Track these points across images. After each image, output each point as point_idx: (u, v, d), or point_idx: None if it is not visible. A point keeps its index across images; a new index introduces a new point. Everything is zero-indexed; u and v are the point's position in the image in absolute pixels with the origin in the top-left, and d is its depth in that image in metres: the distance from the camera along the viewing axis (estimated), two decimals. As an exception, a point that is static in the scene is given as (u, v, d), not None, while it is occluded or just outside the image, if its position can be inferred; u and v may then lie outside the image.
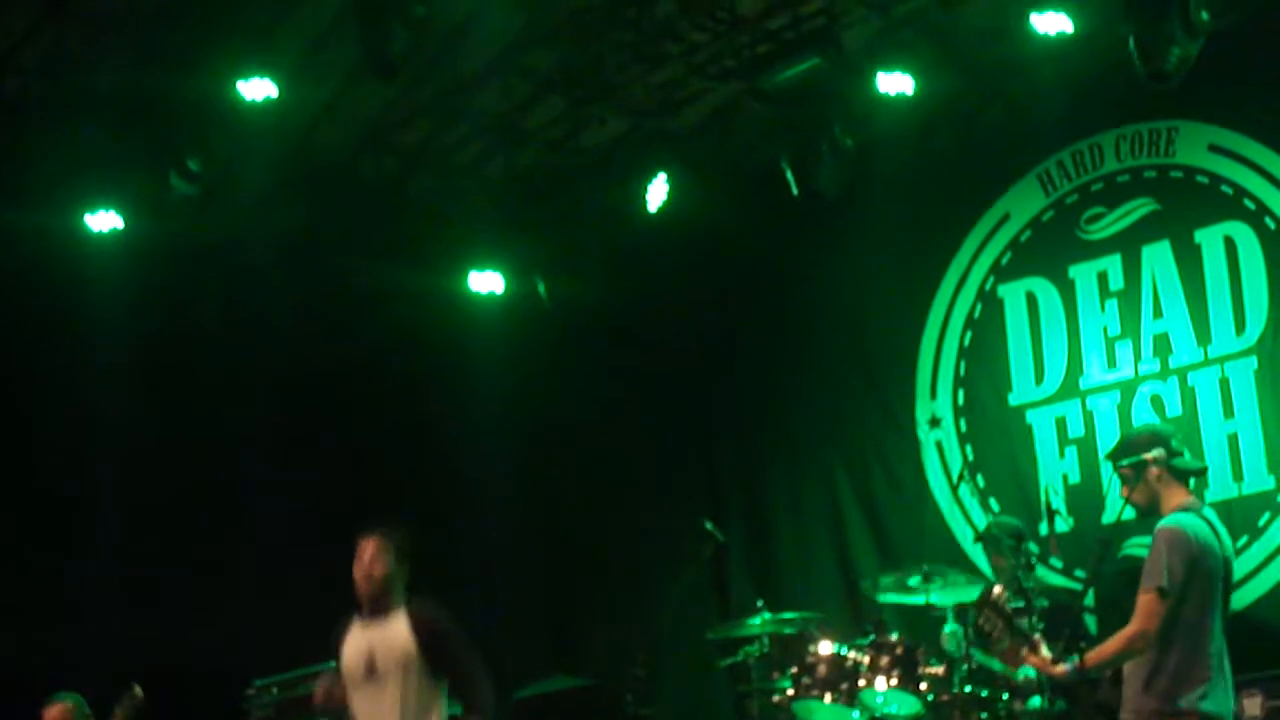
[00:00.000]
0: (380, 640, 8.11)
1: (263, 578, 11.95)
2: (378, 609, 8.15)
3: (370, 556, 8.18)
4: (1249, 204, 10.74)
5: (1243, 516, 10.54)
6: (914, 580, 10.05)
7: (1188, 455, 7.63)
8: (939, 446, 11.72)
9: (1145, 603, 7.42)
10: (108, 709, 9.42)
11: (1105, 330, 11.21)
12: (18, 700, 9.86)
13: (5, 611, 11.26)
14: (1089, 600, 9.75)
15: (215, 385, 12.05)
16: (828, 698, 10.10)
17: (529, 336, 12.90)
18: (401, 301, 12.70)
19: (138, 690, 9.25)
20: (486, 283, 12.75)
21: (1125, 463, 7.63)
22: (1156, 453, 7.57)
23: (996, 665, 9.62)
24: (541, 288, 12.69)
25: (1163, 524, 7.50)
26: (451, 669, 8.11)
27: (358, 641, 8.17)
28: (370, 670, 8.07)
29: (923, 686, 9.86)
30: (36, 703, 9.80)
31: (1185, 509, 7.52)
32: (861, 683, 10.04)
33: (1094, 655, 7.41)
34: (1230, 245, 10.80)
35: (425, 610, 8.15)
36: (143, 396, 11.78)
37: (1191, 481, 7.67)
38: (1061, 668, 7.37)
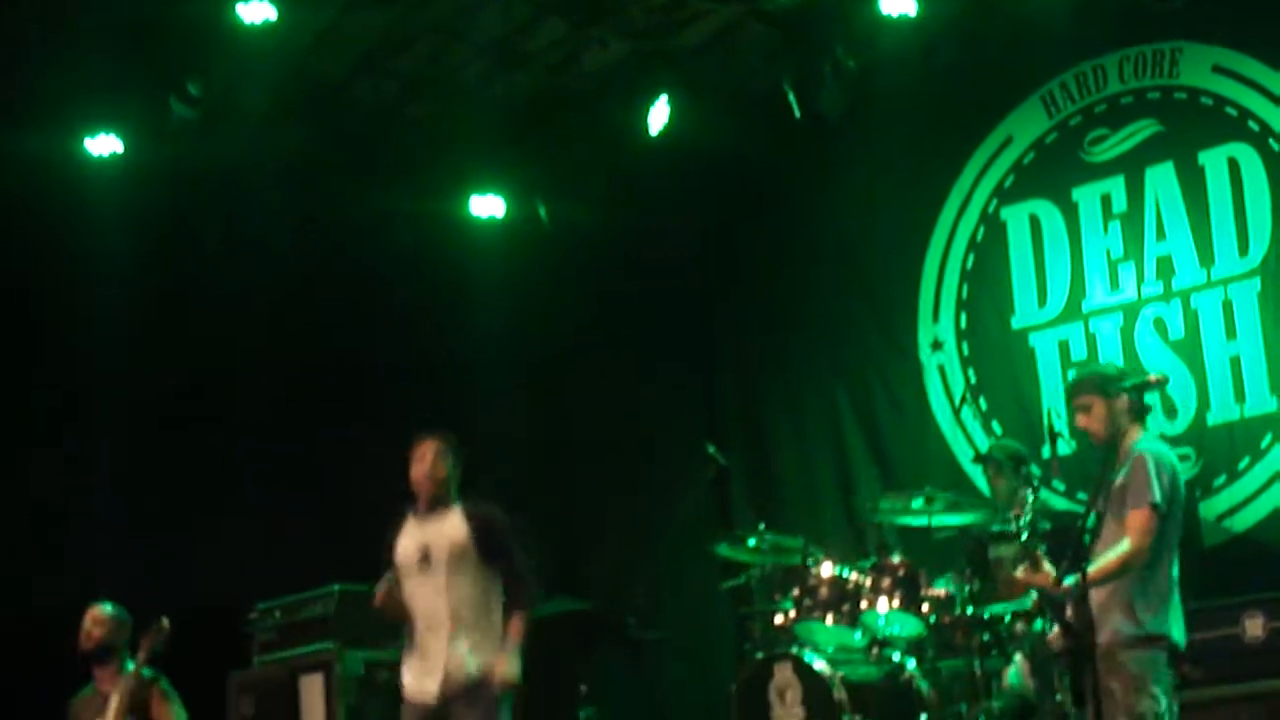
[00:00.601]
0: (435, 533, 8.49)
1: (262, 498, 11.97)
2: (434, 506, 8.55)
3: (433, 458, 8.60)
4: (1253, 125, 10.70)
5: (1245, 438, 10.56)
6: (916, 503, 10.06)
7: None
8: (941, 370, 11.72)
9: (1141, 518, 7.57)
10: (133, 641, 9.45)
11: (1108, 252, 11.19)
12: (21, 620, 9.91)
13: (7, 528, 11.30)
14: (1090, 523, 9.72)
15: (215, 308, 12.03)
16: (829, 619, 10.13)
17: (530, 260, 12.88)
18: (402, 225, 12.67)
19: (165, 622, 9.28)
20: (487, 206, 12.73)
21: (1107, 393, 7.81)
22: (1124, 384, 7.79)
23: (997, 607, 9.67)
24: (542, 211, 12.66)
25: (1142, 448, 7.71)
26: (500, 561, 8.50)
27: (412, 535, 8.54)
28: (424, 560, 8.43)
29: (924, 608, 9.89)
30: (39, 624, 9.85)
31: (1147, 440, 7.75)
32: (863, 604, 10.07)
33: (1096, 571, 7.46)
34: (1234, 167, 10.76)
35: (480, 505, 8.60)
36: (142, 319, 11.77)
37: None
38: (1065, 585, 7.41)
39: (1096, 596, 7.47)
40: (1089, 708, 7.42)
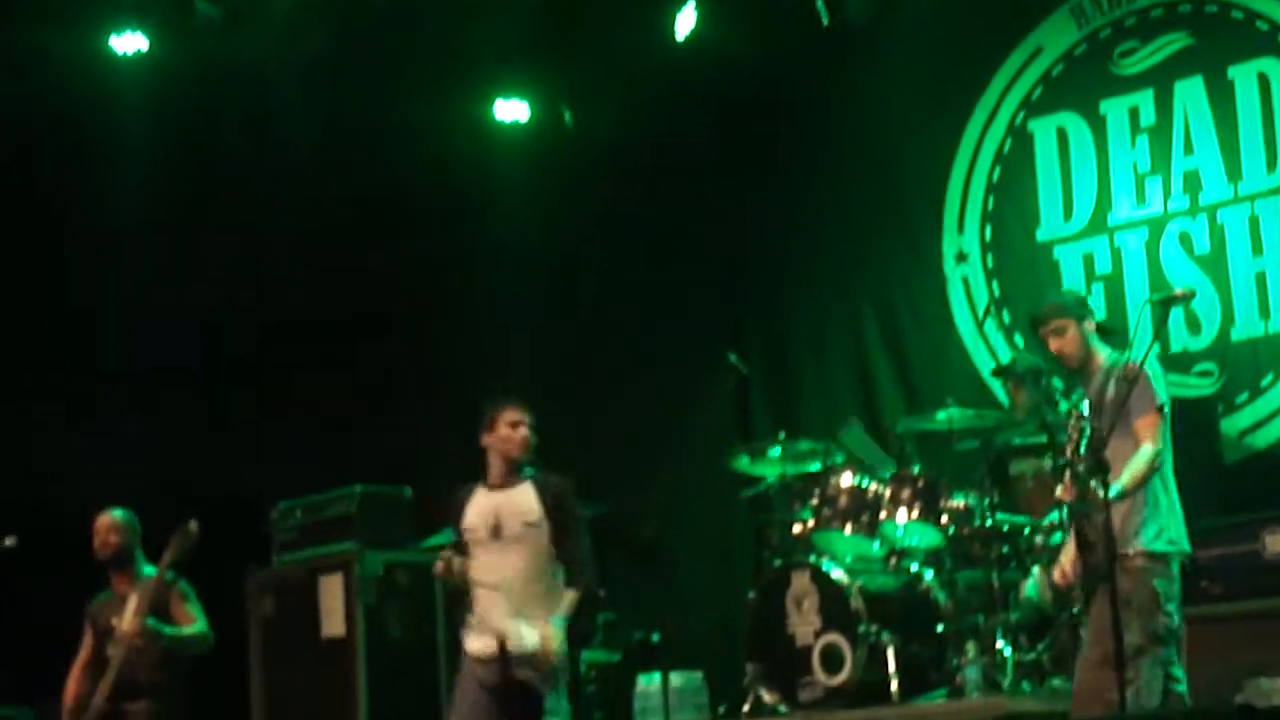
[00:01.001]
0: (507, 503, 8.48)
1: (284, 399, 12.00)
2: (509, 476, 8.53)
3: (527, 428, 8.53)
4: (1284, 40, 10.65)
5: (1269, 354, 10.54)
6: (939, 415, 10.07)
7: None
8: (965, 282, 11.68)
9: (1151, 423, 7.72)
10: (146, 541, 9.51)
11: (1135, 166, 11.12)
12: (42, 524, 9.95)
13: (31, 427, 11.34)
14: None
15: (238, 210, 12.02)
16: (848, 529, 10.17)
17: (553, 166, 12.84)
18: (426, 129, 12.62)
19: (193, 526, 9.32)
20: (511, 111, 12.69)
21: (1077, 315, 7.96)
22: (1089, 310, 8.04)
23: (1017, 519, 9.70)
24: (567, 116, 12.62)
25: (1133, 361, 7.79)
26: (565, 539, 8.49)
27: (483, 504, 8.52)
28: (496, 532, 8.43)
29: (943, 520, 9.94)
30: (57, 526, 9.90)
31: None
32: (882, 515, 10.11)
33: (1130, 479, 7.59)
34: (1264, 82, 10.67)
35: (553, 481, 8.58)
36: (166, 218, 11.77)
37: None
38: (1101, 493, 7.41)
39: (1118, 509, 7.52)
40: (1097, 619, 7.49)
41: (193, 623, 9.45)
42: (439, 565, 8.48)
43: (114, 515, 9.62)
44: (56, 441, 11.40)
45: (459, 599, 8.60)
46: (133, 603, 9.38)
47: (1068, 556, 7.87)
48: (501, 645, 8.26)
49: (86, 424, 11.48)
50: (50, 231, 11.56)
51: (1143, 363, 7.74)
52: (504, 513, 8.46)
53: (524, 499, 8.50)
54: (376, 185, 12.46)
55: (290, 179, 12.13)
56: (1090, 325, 8.01)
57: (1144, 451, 7.66)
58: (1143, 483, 7.66)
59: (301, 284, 12.17)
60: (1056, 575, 8.00)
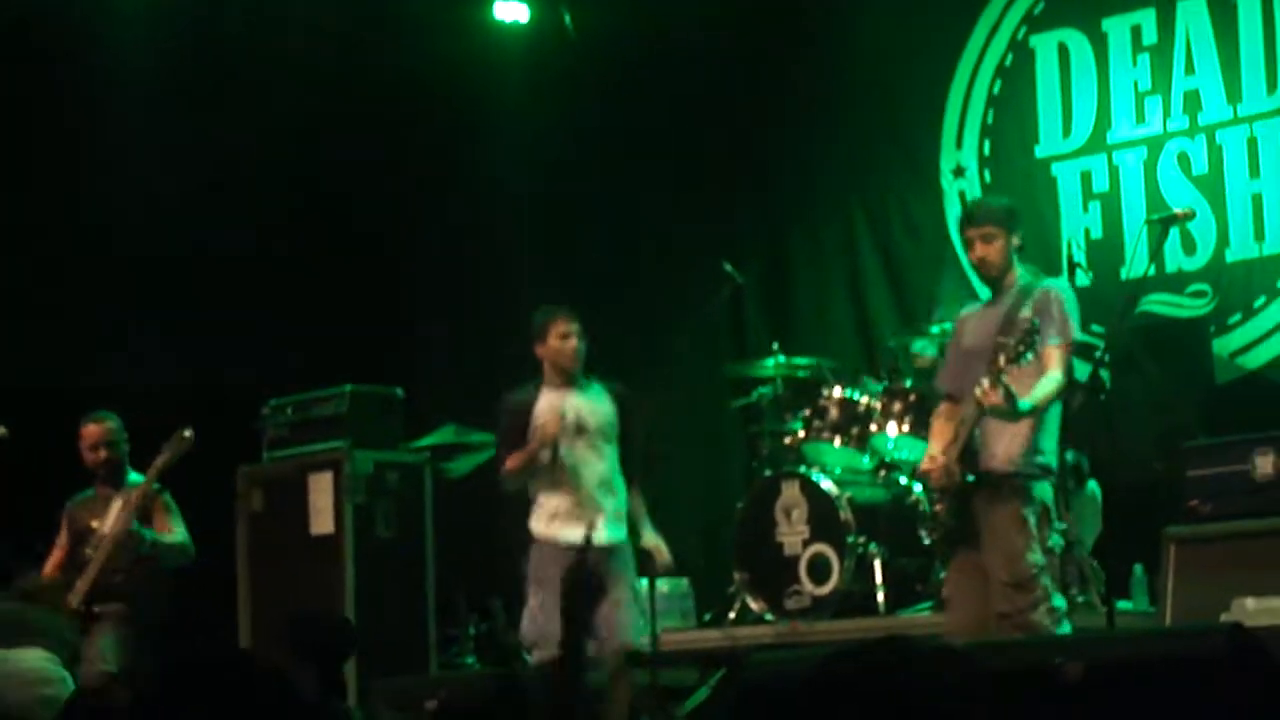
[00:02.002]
0: (586, 404, 8.82)
1: (279, 296, 11.97)
2: (568, 380, 8.78)
3: (575, 339, 8.79)
4: (1290, -38, 10.59)
5: (1262, 276, 10.55)
6: (932, 329, 10.07)
7: None
8: (962, 196, 11.64)
9: (1064, 353, 7.64)
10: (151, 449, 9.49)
11: (1135, 85, 11.09)
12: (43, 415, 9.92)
13: (37, 314, 11.30)
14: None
15: (236, 108, 11.94)
16: (838, 441, 10.20)
17: (552, 68, 12.78)
18: (424, 29, 12.54)
19: (187, 432, 9.32)
20: (511, 12, 12.62)
21: (1009, 226, 7.81)
22: (1019, 224, 7.92)
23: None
24: (567, 18, 12.56)
25: (1055, 284, 7.84)
26: (636, 440, 8.96)
27: (558, 402, 8.75)
28: (579, 427, 8.71)
29: (934, 433, 9.94)
30: (50, 417, 9.86)
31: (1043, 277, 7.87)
32: (873, 428, 10.14)
33: (1039, 400, 7.54)
34: (1267, 3, 10.61)
35: (623, 387, 9.00)
36: (165, 121, 11.70)
37: None
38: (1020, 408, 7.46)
39: (992, 425, 7.55)
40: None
41: (173, 535, 9.46)
42: (521, 460, 8.70)
43: (104, 424, 9.59)
44: (44, 334, 11.34)
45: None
46: (117, 505, 9.38)
47: (946, 451, 7.72)
48: (588, 537, 8.58)
49: (75, 316, 11.42)
50: (51, 126, 11.47)
51: (1061, 290, 7.72)
52: (585, 411, 8.79)
53: (601, 401, 8.86)
54: (374, 85, 12.37)
55: (287, 77, 12.05)
56: (1016, 241, 7.82)
57: (1054, 376, 7.57)
58: (1047, 407, 7.61)
59: (295, 180, 12.10)
60: (926, 463, 7.84)
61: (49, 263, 11.33)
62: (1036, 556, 7.51)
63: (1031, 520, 7.54)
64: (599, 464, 8.77)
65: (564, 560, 8.63)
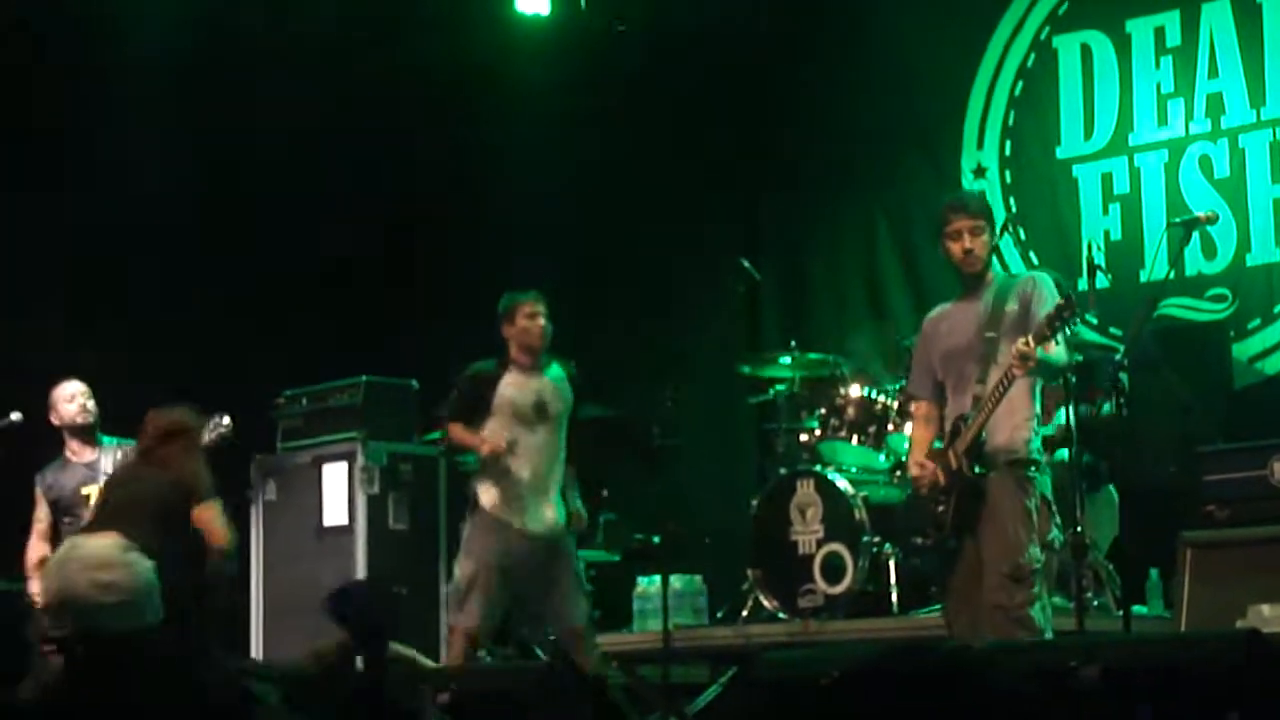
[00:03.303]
0: (546, 387, 9.01)
1: (291, 286, 11.95)
2: (536, 362, 9.01)
3: (542, 319, 8.98)
4: (1315, -35, 10.56)
5: (1284, 282, 10.54)
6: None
7: None
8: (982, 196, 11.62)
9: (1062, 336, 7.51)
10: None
11: (1158, 87, 11.07)
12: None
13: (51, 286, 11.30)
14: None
15: (255, 93, 11.92)
16: (854, 440, 10.17)
17: (572, 61, 12.76)
18: (446, 20, 12.52)
19: (226, 420, 9.30)
20: (532, 3, 12.60)
21: (993, 223, 7.77)
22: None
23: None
24: (583, 4, 12.57)
25: (1035, 274, 7.86)
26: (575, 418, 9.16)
27: (522, 384, 8.95)
28: (540, 412, 8.89)
29: (950, 434, 9.90)
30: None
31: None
32: (890, 427, 10.10)
33: (1056, 363, 7.52)
34: (1292, 6, 10.63)
35: (573, 366, 9.17)
36: (175, 99, 11.67)
37: None
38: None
39: (996, 418, 7.49)
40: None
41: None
42: (495, 444, 8.82)
43: (81, 384, 9.63)
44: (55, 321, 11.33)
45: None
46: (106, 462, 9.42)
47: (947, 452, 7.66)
48: (546, 521, 8.88)
49: (79, 309, 11.39)
50: (52, 100, 11.45)
51: (1043, 278, 7.70)
52: (548, 395, 8.99)
53: (561, 384, 9.05)
54: (394, 77, 12.35)
55: (306, 68, 12.03)
56: (994, 239, 7.78)
57: (1059, 351, 7.46)
58: (1056, 374, 7.62)
59: (313, 172, 12.08)
60: (916, 470, 7.75)
61: (59, 253, 11.33)
62: (1036, 551, 7.46)
63: (1034, 513, 7.49)
64: (554, 448, 8.99)
65: (506, 542, 8.85)
